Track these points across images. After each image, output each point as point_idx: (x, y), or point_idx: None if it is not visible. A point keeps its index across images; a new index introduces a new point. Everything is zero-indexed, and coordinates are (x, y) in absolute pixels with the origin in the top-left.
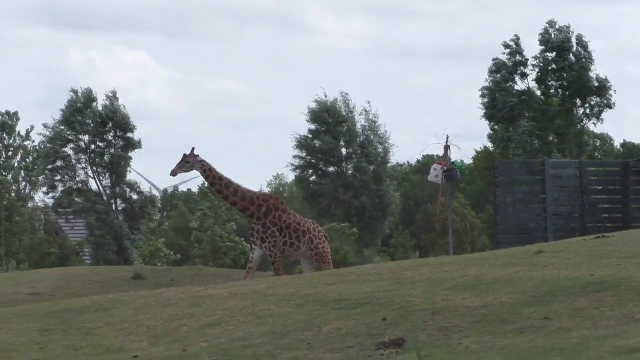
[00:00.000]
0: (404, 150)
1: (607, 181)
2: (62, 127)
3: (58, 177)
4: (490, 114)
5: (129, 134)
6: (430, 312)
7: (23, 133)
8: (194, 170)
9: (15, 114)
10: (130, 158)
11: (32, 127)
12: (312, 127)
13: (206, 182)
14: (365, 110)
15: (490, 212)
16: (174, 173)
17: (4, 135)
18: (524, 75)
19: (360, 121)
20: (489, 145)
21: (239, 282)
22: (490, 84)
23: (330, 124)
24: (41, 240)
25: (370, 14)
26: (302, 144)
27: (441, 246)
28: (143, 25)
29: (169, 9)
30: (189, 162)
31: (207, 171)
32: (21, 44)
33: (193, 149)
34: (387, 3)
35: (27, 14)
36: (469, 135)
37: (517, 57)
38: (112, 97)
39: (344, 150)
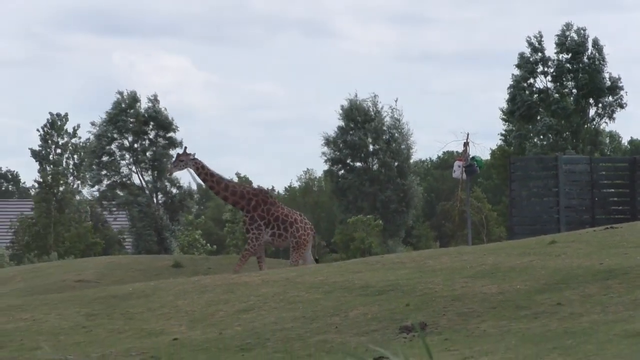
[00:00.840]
0: (425, 147)
1: (616, 176)
2: (108, 127)
3: (104, 172)
4: (510, 111)
5: (171, 134)
6: (450, 299)
7: (70, 131)
8: (188, 167)
9: (66, 115)
10: (171, 156)
11: (78, 126)
12: (342, 124)
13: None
14: (392, 109)
15: (506, 205)
16: (169, 172)
17: (54, 133)
18: (544, 74)
19: (386, 119)
20: (503, 143)
21: (270, 270)
22: (513, 82)
23: (359, 122)
24: (86, 231)
25: (393, 21)
26: (330, 141)
27: (460, 237)
28: (182, 32)
29: (206, 16)
30: (182, 160)
31: (200, 169)
32: (68, 49)
33: (185, 148)
34: (409, 11)
35: (72, 20)
36: (484, 134)
37: (538, 54)
38: (154, 100)
39: (370, 147)
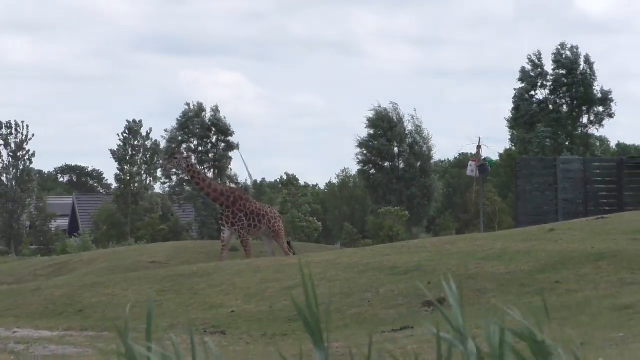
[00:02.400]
0: (443, 149)
1: (606, 174)
2: (178, 132)
3: (173, 170)
4: (515, 119)
5: (229, 138)
6: (465, 277)
7: (144, 135)
8: (181, 165)
9: (140, 121)
10: (230, 158)
11: (151, 129)
12: (371, 131)
13: (187, 176)
14: (413, 117)
15: (512, 199)
16: (164, 168)
17: (130, 137)
18: (543, 86)
19: (408, 126)
20: (511, 146)
21: (313, 253)
22: (517, 93)
23: (384, 129)
24: (155, 221)
25: (414, 42)
26: (363, 144)
27: (474, 225)
28: (236, 51)
29: (256, 38)
30: (176, 158)
31: (190, 167)
32: (141, 66)
33: (178, 149)
34: (427, 34)
35: (145, 43)
36: (492, 138)
37: (538, 70)
38: (216, 110)
39: (396, 150)
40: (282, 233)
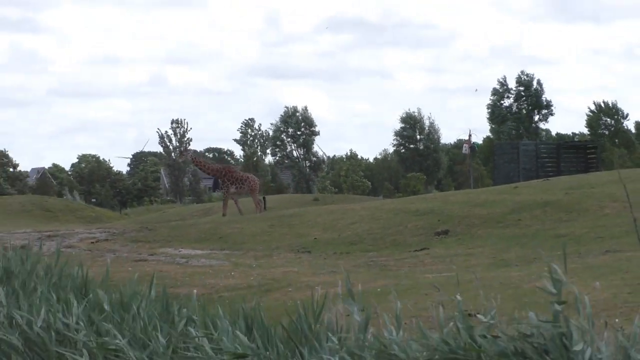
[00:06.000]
0: (447, 137)
1: (550, 152)
2: (281, 124)
3: (277, 150)
4: (491, 118)
5: (313, 129)
6: (462, 217)
7: (257, 128)
8: (187, 158)
9: (253, 119)
10: (314, 141)
11: (260, 124)
12: (402, 125)
13: (193, 164)
14: (429, 117)
15: (491, 167)
16: (177, 160)
17: (247, 129)
18: (508, 97)
19: (426, 122)
20: (490, 135)
21: (365, 203)
22: (491, 103)
23: (410, 124)
24: (267, 182)
25: (426, 70)
26: (397, 133)
27: (467, 184)
28: (315, 76)
29: (328, 68)
30: (184, 155)
31: (193, 158)
32: (254, 85)
33: (185, 148)
34: (434, 65)
35: (256, 70)
36: (478, 130)
37: (504, 87)
38: (305, 110)
39: (418, 137)
40: (256, 192)
